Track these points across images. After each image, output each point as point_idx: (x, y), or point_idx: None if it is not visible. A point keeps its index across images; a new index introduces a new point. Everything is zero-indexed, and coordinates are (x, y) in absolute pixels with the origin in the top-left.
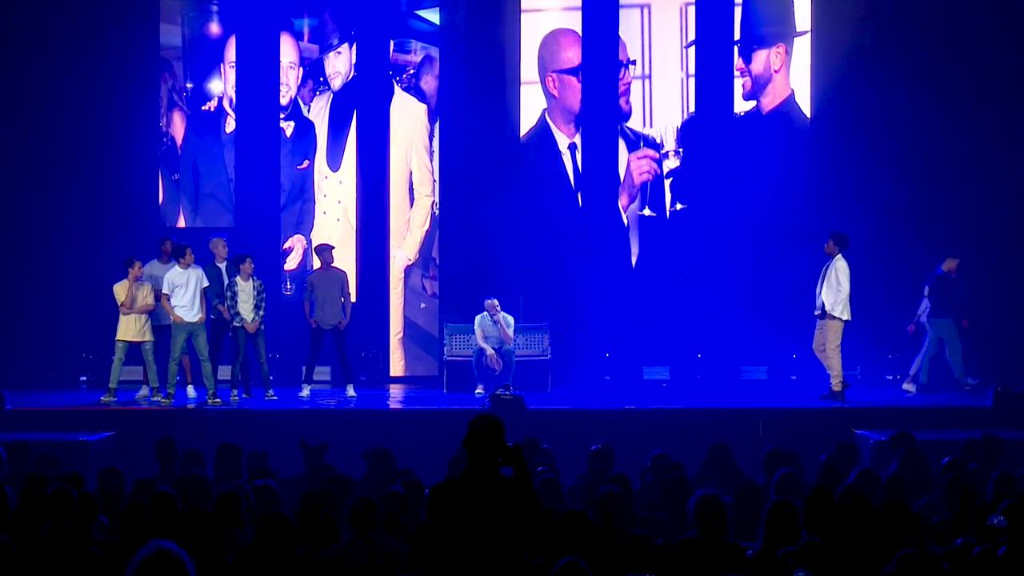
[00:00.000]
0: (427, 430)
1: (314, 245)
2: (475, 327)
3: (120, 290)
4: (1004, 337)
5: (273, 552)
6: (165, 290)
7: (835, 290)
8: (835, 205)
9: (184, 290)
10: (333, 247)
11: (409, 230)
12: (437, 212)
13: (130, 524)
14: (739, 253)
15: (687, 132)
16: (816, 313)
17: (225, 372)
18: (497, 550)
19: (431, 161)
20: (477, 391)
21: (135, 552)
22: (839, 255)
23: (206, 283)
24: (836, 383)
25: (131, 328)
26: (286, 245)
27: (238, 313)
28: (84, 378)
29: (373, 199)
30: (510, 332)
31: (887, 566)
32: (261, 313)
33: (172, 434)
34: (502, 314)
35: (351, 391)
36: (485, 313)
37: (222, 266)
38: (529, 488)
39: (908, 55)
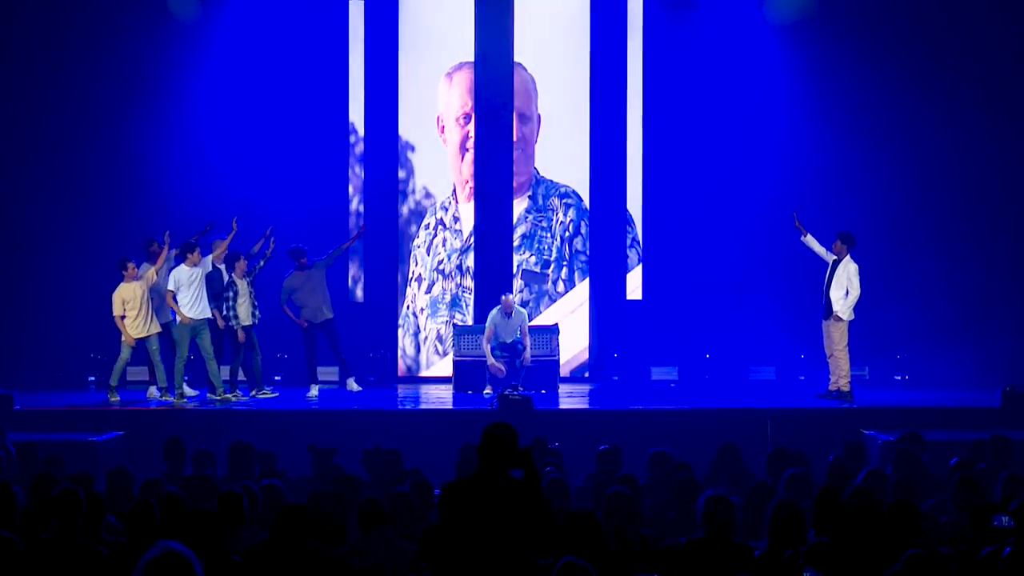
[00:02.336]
0: (436, 430)
1: (288, 250)
2: (487, 323)
3: (116, 300)
4: (1010, 336)
5: (288, 546)
6: (171, 287)
7: (845, 292)
8: (843, 205)
9: (189, 288)
10: (307, 249)
11: (418, 230)
12: (447, 213)
13: (138, 524)
14: (747, 253)
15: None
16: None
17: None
18: (506, 551)
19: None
20: (485, 391)
21: (143, 552)
22: (848, 256)
23: (209, 267)
24: (845, 383)
25: (135, 329)
26: None
27: (237, 315)
28: (92, 378)
29: (383, 199)
30: (525, 327)
31: (895, 566)
32: (257, 313)
33: (180, 434)
34: (517, 308)
35: (353, 384)
36: (499, 307)
37: (222, 267)
38: (538, 490)
39: (916, 54)
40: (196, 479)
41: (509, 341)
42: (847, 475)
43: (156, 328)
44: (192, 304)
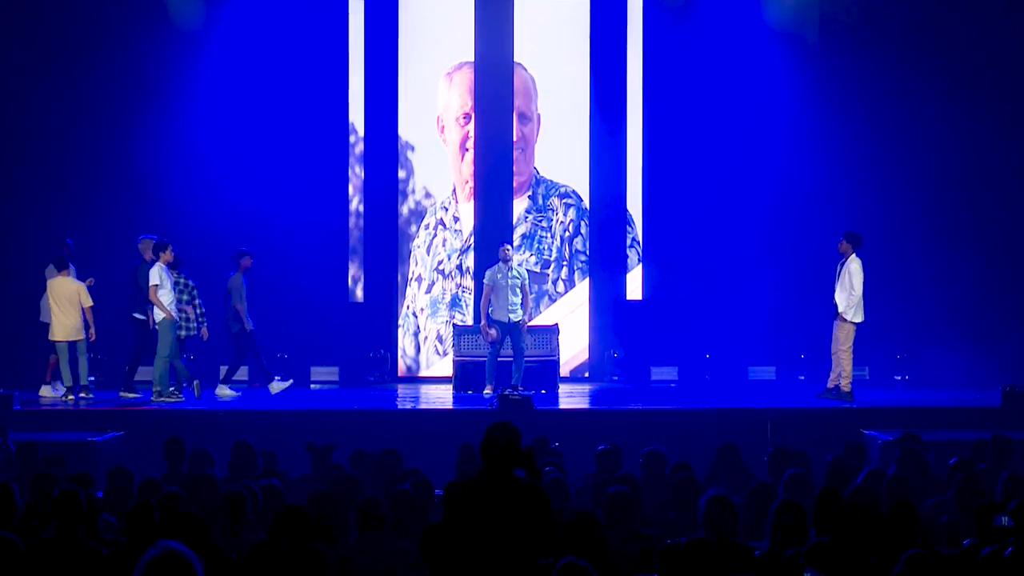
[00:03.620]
0: (436, 430)
1: (238, 252)
2: (485, 282)
3: (81, 293)
4: (1010, 336)
5: (287, 547)
6: (155, 282)
7: (848, 292)
8: (842, 204)
9: (167, 285)
10: (250, 253)
11: (418, 230)
12: (447, 213)
13: (138, 524)
14: (746, 253)
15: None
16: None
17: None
18: (508, 551)
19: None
20: (485, 391)
21: (143, 552)
22: (853, 255)
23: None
24: (845, 383)
25: (70, 326)
26: None
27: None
28: (92, 378)
29: (382, 199)
30: (527, 288)
31: (895, 566)
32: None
33: (180, 434)
34: (515, 266)
35: (226, 391)
36: (498, 264)
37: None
38: (541, 490)
39: (917, 54)
40: (196, 479)
41: (514, 320)
42: (847, 475)
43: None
44: (172, 302)
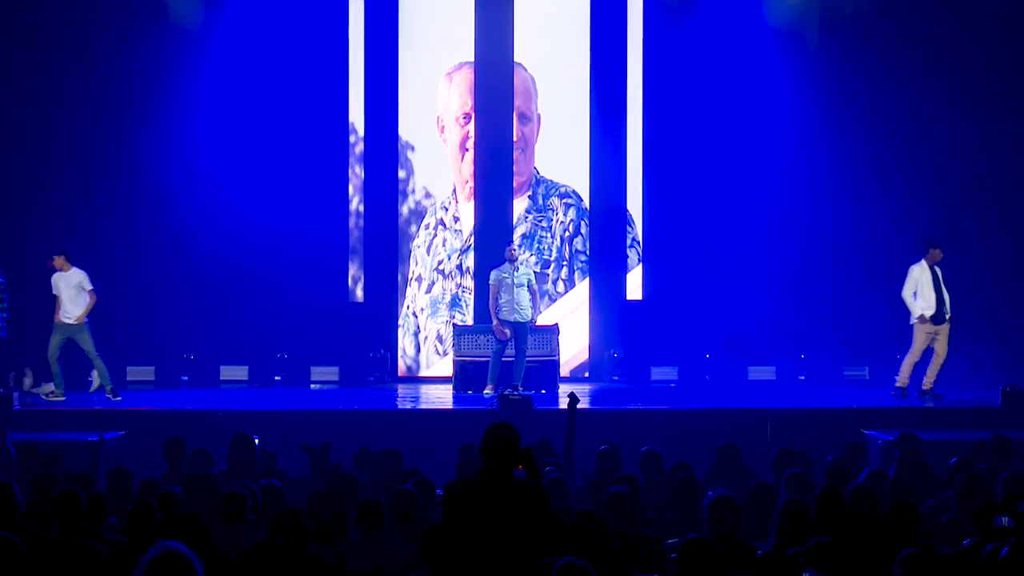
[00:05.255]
0: (436, 430)
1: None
2: (492, 281)
3: None
4: (1010, 336)
5: (286, 548)
6: (54, 292)
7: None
8: (843, 205)
9: (67, 291)
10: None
11: (418, 230)
12: (447, 213)
13: (138, 524)
14: (747, 253)
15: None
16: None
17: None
18: (508, 551)
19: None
20: (486, 391)
21: (143, 552)
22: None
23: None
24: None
25: None
26: None
27: None
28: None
29: (382, 199)
30: (534, 287)
31: (895, 566)
32: None
33: (180, 434)
34: (523, 267)
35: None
36: (505, 264)
37: None
38: (540, 490)
39: (917, 54)
40: (196, 479)
41: (521, 320)
42: (847, 475)
43: None
44: (62, 307)
